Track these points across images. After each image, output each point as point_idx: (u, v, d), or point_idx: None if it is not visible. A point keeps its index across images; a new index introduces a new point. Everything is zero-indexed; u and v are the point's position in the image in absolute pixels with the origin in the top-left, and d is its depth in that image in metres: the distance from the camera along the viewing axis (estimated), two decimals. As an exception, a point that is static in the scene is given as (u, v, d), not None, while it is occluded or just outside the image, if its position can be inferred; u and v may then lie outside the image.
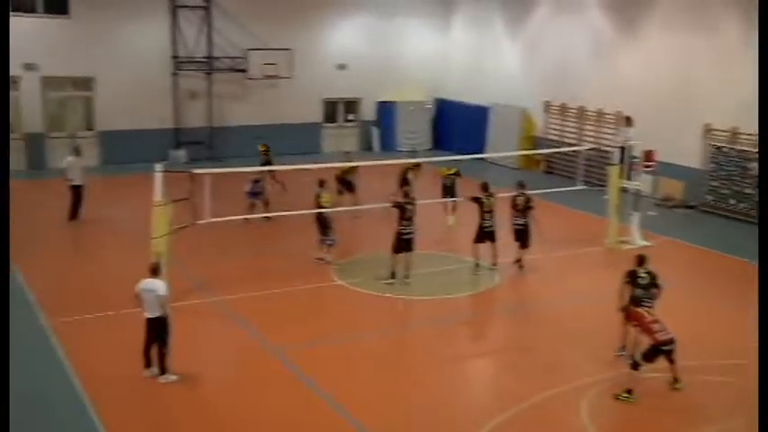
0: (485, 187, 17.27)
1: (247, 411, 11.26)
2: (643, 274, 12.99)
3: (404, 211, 15.88)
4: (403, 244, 16.00)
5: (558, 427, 11.12)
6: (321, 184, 17.53)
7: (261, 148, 23.07)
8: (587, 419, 11.11)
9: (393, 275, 16.09)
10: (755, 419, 10.89)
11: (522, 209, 17.25)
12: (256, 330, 13.96)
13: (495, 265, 17.12)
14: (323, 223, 17.19)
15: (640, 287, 12.87)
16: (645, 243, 19.27)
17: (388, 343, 14.05)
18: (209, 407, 11.38)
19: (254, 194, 20.35)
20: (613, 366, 12.30)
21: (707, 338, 14.10)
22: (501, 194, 17.54)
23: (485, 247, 17.13)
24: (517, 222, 17.34)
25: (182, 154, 27.85)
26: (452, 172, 20.82)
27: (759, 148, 5.23)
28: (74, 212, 20.24)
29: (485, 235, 16.98)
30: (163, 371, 11.90)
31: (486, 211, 16.93)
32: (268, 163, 22.18)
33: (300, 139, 29.16)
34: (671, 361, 11.67)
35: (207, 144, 28.31)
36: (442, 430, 10.91)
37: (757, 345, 8.26)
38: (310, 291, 16.01)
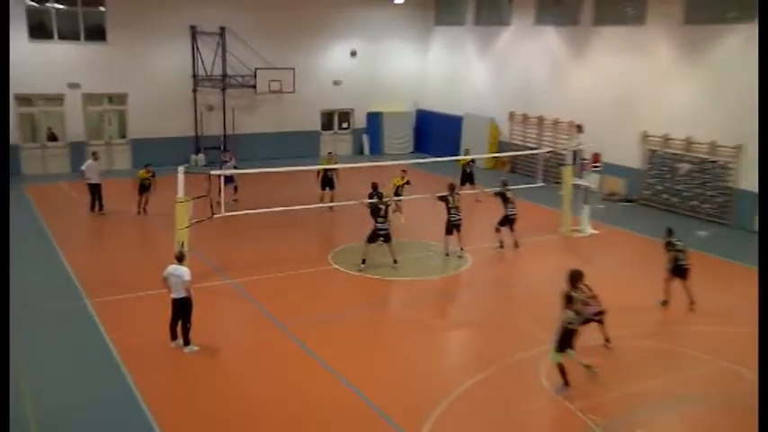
0: (451, 187, 17.52)
1: (257, 376, 11.44)
2: (677, 242, 14.18)
3: (378, 211, 16.04)
4: (378, 237, 16.11)
5: (522, 385, 11.29)
6: (375, 187, 17.44)
7: (143, 174, 20.32)
8: (544, 379, 11.31)
9: (364, 261, 16.09)
10: (686, 376, 11.18)
11: (513, 200, 17.86)
12: (264, 307, 14.05)
13: (462, 250, 17.26)
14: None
15: (676, 250, 14.07)
16: (593, 231, 19.50)
17: (376, 317, 14.12)
18: (226, 373, 11.56)
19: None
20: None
21: (640, 310, 14.31)
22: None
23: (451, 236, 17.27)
24: (512, 213, 17.80)
25: (201, 158, 27.98)
26: (405, 181, 20.10)
27: (759, 149, 4.87)
28: (93, 205, 20.58)
29: (453, 227, 17.11)
30: (187, 342, 12.03)
31: (451, 207, 17.06)
32: (146, 189, 20.28)
33: (301, 145, 29.24)
34: (600, 322, 12.16)
35: (222, 149, 28.12)
36: (426, 390, 10.97)
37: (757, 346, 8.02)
38: (309, 274, 16.04)
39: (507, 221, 17.80)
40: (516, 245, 17.96)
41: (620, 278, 15.50)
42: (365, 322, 13.65)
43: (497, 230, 17.87)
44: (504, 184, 18.22)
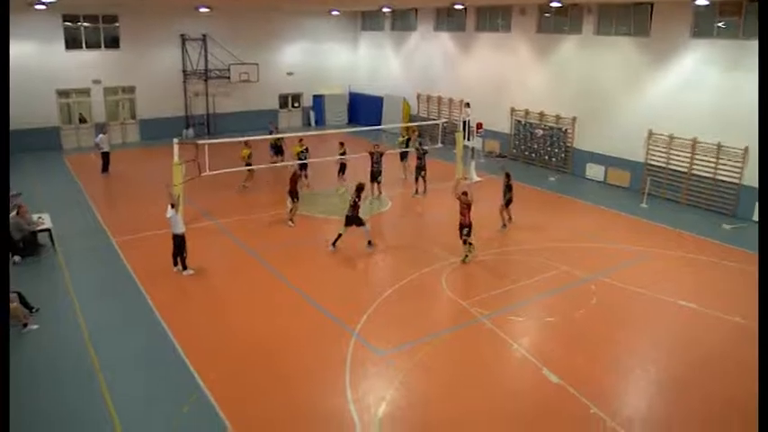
0: (376, 146, 17.47)
1: (236, 288, 11.28)
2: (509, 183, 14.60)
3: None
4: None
5: (428, 290, 11.30)
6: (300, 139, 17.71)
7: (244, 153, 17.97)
8: (445, 284, 11.44)
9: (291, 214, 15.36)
10: (541, 278, 11.40)
11: (422, 156, 17.86)
12: (239, 240, 13.80)
13: (381, 194, 17.23)
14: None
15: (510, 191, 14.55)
16: (477, 179, 19.50)
17: (321, 245, 13.71)
18: (213, 287, 11.40)
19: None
20: (458, 254, 12.56)
21: (509, 233, 14.61)
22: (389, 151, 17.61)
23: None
24: (420, 164, 17.80)
25: (190, 132, 26.80)
26: (303, 149, 17.87)
27: (759, 149, 4.13)
28: (105, 168, 20.12)
29: (375, 176, 17.08)
30: (184, 267, 11.84)
31: (375, 162, 16.92)
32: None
33: (264, 120, 28.02)
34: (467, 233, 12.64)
35: (206, 125, 27.27)
36: (360, 296, 10.91)
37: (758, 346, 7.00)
38: (270, 216, 15.66)
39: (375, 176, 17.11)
40: (425, 190, 17.88)
41: (495, 210, 15.69)
42: (314, 248, 13.43)
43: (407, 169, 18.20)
44: (421, 144, 18.40)
